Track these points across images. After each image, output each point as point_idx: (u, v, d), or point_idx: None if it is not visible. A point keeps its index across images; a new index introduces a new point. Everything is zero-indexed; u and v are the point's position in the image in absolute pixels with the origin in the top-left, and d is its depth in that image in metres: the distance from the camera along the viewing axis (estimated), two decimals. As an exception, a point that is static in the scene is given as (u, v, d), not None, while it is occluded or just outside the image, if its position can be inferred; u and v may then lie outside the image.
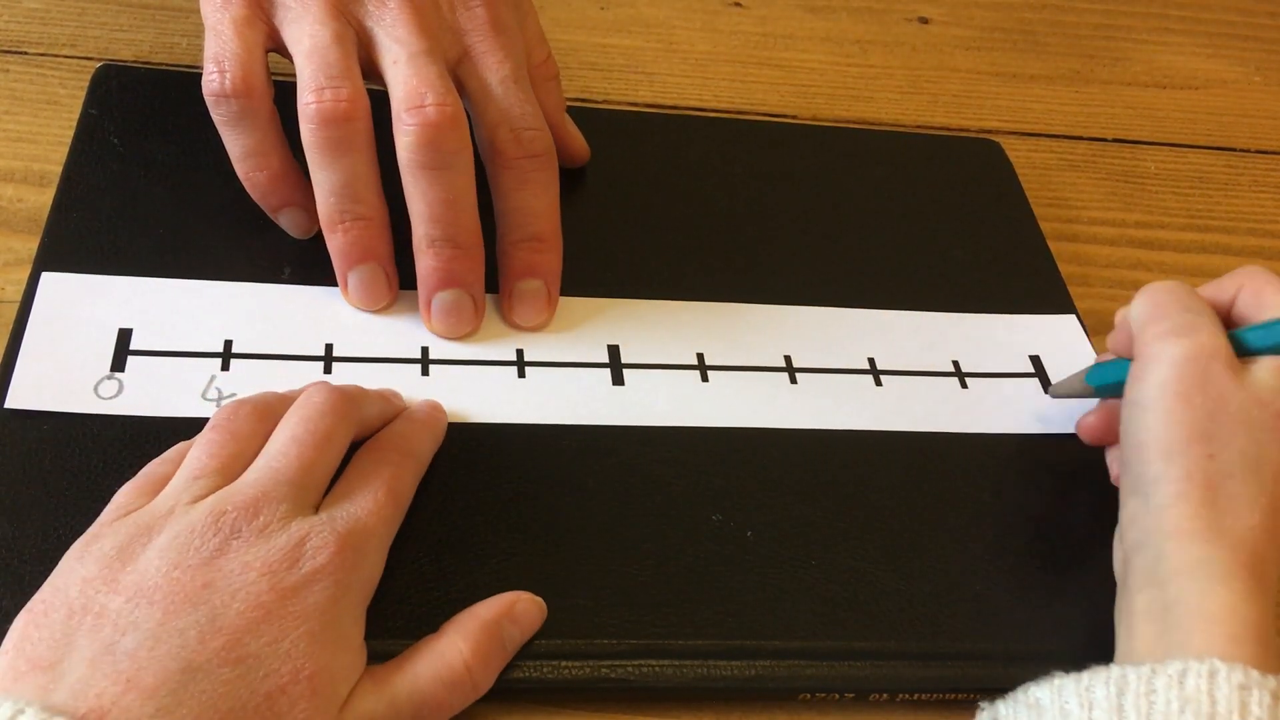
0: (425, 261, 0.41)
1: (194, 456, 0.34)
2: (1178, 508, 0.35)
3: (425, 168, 0.39)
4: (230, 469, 0.34)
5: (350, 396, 0.37)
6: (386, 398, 0.40)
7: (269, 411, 0.36)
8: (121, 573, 0.30)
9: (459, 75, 0.42)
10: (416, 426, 0.39)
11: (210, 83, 0.40)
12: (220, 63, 0.40)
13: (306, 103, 0.39)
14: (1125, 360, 0.40)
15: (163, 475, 0.35)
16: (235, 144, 0.42)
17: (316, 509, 0.34)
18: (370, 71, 0.41)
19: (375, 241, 0.42)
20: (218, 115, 0.41)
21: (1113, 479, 0.42)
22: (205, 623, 0.30)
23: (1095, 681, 0.32)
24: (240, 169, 0.42)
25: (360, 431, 0.37)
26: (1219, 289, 0.40)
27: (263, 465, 0.34)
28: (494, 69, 0.42)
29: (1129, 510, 0.37)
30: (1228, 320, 0.40)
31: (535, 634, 0.36)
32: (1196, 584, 0.33)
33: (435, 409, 0.40)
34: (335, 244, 0.41)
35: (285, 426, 0.35)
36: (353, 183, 0.40)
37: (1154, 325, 0.38)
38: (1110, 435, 0.42)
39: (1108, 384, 0.41)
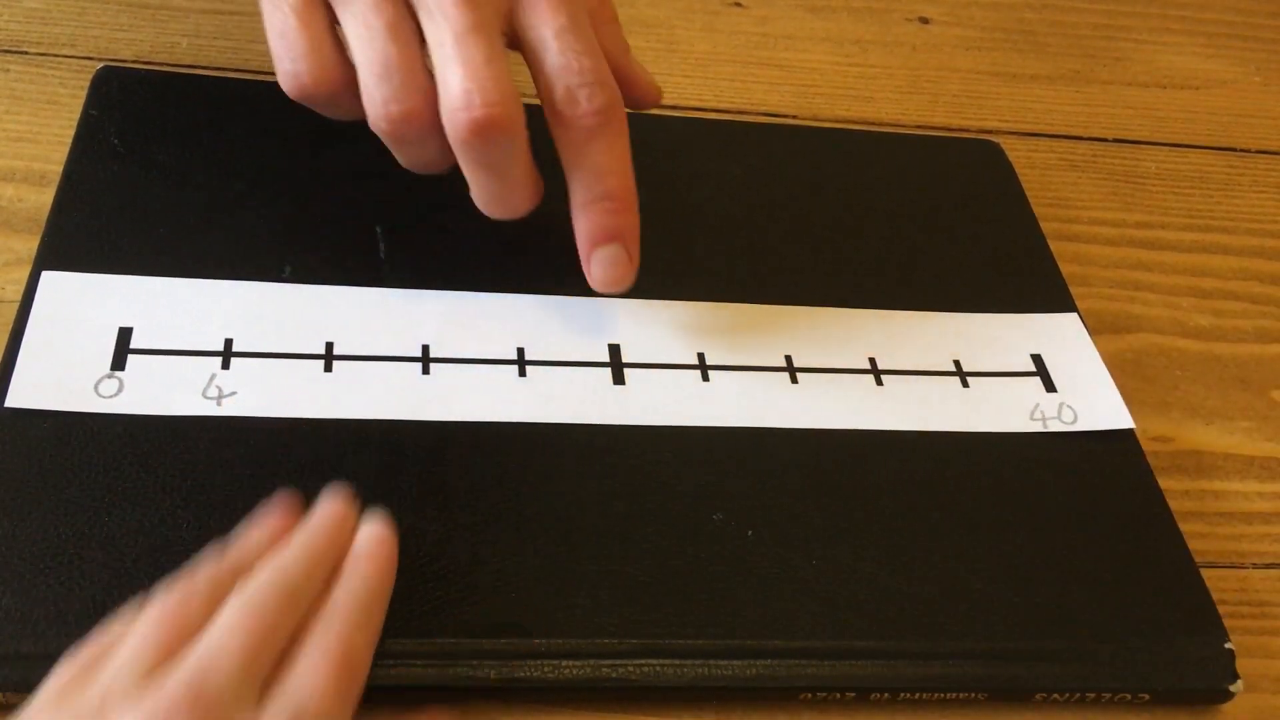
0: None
1: (133, 646, 0.31)
2: None
3: (479, 163, 0.39)
4: (169, 657, 0.30)
5: (291, 593, 0.32)
6: (336, 549, 0.35)
7: (216, 594, 0.32)
8: None
9: (513, 27, 0.40)
10: (361, 594, 0.34)
11: (287, 82, 0.39)
12: (295, 61, 0.39)
13: (375, 115, 0.38)
14: None
15: (110, 648, 0.31)
16: (333, 116, 0.41)
17: (261, 696, 0.30)
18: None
19: None
20: (306, 104, 0.40)
21: None
22: None
23: None
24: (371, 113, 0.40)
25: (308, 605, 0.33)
26: None
27: (204, 656, 0.30)
28: (548, 19, 0.39)
29: None
30: None
31: (534, 634, 0.36)
32: None
33: (377, 559, 0.35)
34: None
35: (227, 615, 0.31)
36: (428, 161, 0.41)
37: None
38: None
39: None
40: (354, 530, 0.35)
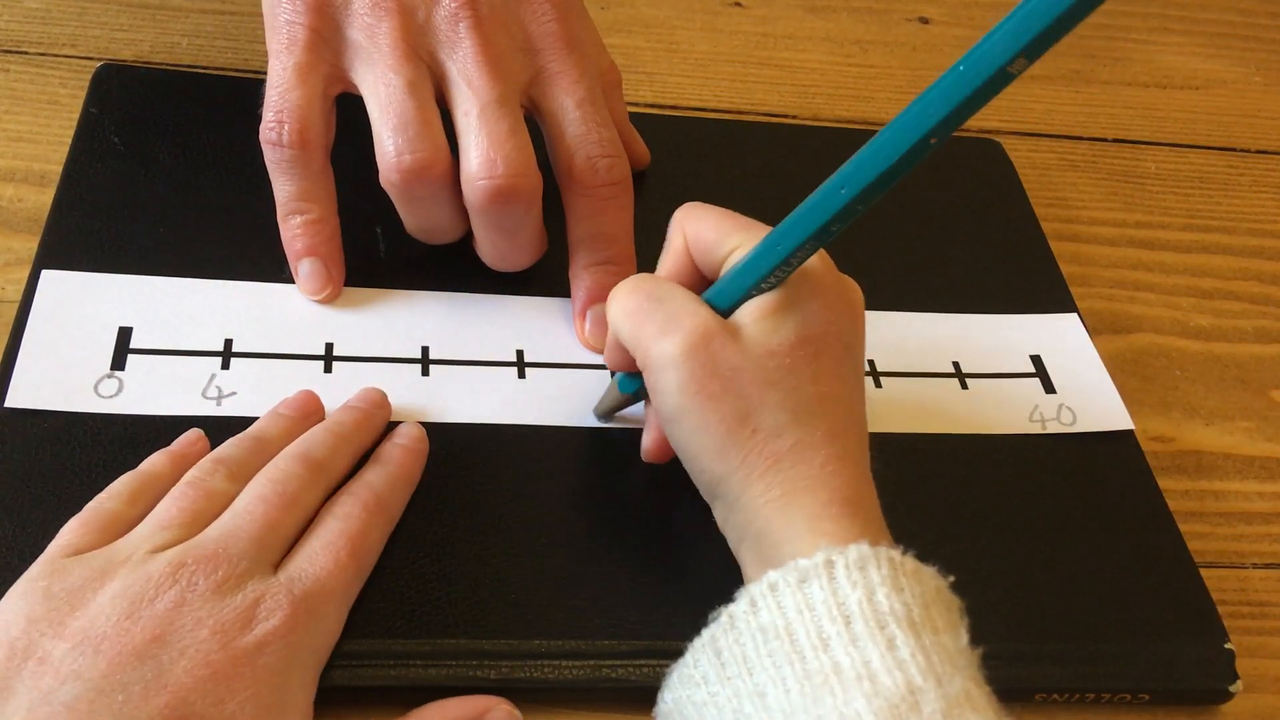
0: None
1: (163, 507, 0.34)
2: (752, 492, 0.34)
3: (493, 226, 0.41)
4: (197, 524, 0.34)
5: (319, 464, 0.36)
6: (365, 431, 0.38)
7: (243, 471, 0.36)
8: (70, 617, 0.30)
9: (533, 96, 0.42)
10: (388, 476, 0.37)
11: (268, 132, 0.40)
12: (280, 113, 0.40)
13: (387, 167, 0.39)
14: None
15: (110, 512, 0.34)
16: (282, 188, 0.42)
17: (277, 568, 0.33)
18: (443, 103, 0.40)
19: None
20: (270, 161, 0.41)
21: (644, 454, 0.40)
22: (150, 678, 0.29)
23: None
24: (281, 210, 0.42)
25: (333, 484, 0.37)
26: (672, 246, 0.38)
27: (227, 520, 0.34)
28: (569, 90, 0.41)
29: (717, 515, 0.36)
30: (692, 270, 0.38)
31: (534, 634, 0.36)
32: (797, 542, 0.33)
33: (411, 449, 0.39)
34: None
35: (254, 486, 0.35)
36: (436, 226, 0.42)
37: (641, 331, 0.36)
38: (669, 448, 0.38)
39: (641, 386, 0.38)
40: (385, 419, 0.39)
